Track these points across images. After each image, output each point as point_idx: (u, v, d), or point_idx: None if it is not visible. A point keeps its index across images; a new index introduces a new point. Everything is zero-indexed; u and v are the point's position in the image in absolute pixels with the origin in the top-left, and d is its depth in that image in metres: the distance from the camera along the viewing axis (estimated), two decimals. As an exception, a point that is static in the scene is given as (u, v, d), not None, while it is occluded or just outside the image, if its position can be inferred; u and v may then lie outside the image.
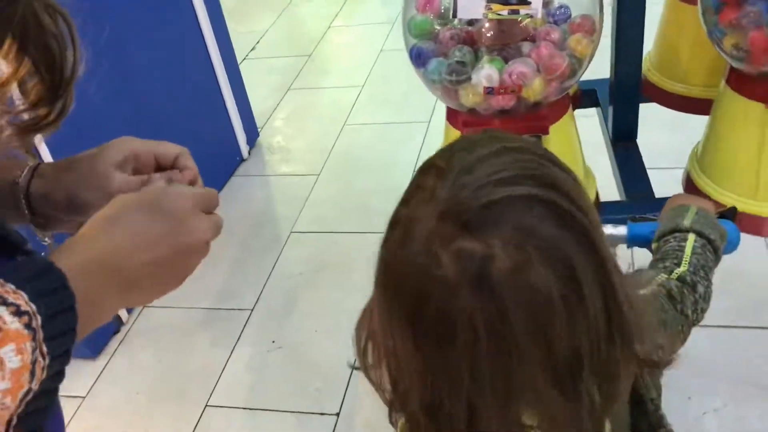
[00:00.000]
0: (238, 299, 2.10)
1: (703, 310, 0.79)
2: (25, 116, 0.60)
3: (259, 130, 2.84)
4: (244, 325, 2.01)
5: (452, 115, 1.14)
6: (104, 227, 0.60)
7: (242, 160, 2.71)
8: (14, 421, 0.50)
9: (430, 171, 0.60)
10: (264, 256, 2.24)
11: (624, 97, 1.31)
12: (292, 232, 2.33)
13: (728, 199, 1.15)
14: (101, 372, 1.95)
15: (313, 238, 2.30)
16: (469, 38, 1.09)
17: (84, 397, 1.88)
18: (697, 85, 1.43)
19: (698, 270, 0.79)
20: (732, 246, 0.88)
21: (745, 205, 1.13)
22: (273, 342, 1.95)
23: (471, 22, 1.11)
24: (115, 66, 1.98)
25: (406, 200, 0.61)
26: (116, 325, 2.06)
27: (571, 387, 0.58)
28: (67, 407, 1.90)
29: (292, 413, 1.75)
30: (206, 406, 1.80)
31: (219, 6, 2.53)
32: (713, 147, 1.18)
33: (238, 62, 2.75)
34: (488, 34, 1.05)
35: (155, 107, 2.19)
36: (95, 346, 2.00)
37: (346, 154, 2.66)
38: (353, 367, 0.71)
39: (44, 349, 0.50)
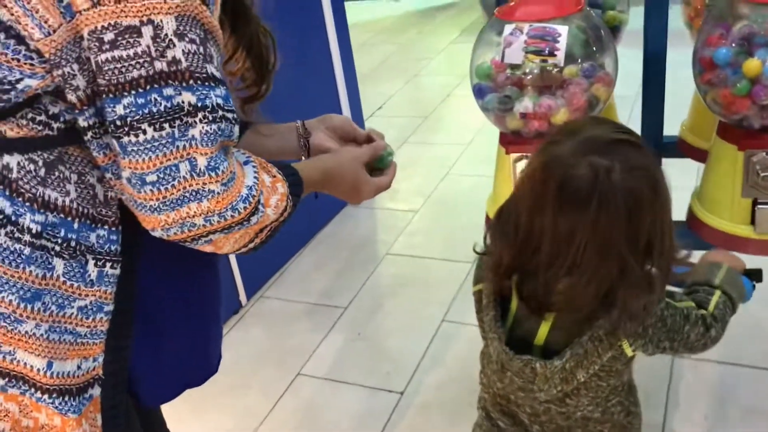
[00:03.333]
0: (336, 299, 2.51)
1: (705, 346, 1.06)
2: (244, 93, 1.06)
3: (374, 172, 3.31)
4: (338, 319, 2.41)
5: (503, 138, 1.52)
6: (340, 164, 1.10)
7: (356, 194, 3.17)
8: (268, 229, 0.90)
9: (560, 132, 0.99)
10: (362, 269, 2.66)
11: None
12: (387, 253, 2.75)
13: (714, 222, 1.45)
14: (220, 340, 2.40)
15: (404, 260, 2.69)
16: (519, 82, 1.48)
17: (204, 357, 2.33)
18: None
19: (718, 319, 1.06)
20: (745, 301, 1.14)
21: (726, 227, 1.43)
22: (359, 333, 2.34)
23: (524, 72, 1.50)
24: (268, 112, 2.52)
25: (544, 147, 0.97)
26: (236, 306, 2.52)
27: (642, 259, 0.94)
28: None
29: (365, 387, 2.11)
30: (298, 374, 2.19)
31: (354, 72, 3.07)
32: (706, 182, 1.48)
33: (367, 118, 3.25)
34: (529, 78, 1.44)
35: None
36: (218, 320, 2.46)
37: (444, 197, 3.07)
38: (476, 252, 1.11)
39: (289, 199, 0.91)
